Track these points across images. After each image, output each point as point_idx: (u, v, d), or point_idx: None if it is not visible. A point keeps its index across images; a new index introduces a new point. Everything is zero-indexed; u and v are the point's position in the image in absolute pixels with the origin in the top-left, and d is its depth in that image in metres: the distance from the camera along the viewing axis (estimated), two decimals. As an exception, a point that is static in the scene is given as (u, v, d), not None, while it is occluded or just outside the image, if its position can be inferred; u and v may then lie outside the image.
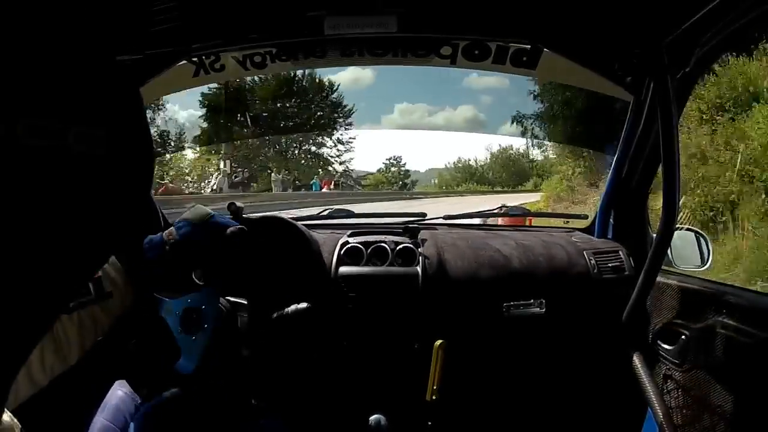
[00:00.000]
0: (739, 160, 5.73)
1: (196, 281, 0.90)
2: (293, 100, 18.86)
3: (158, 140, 14.63)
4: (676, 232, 1.17)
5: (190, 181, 16.62)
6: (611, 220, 1.43)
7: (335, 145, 21.10)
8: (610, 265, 1.32)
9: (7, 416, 0.58)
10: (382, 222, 1.64)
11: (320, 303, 1.05)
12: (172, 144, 16.53)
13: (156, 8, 0.99)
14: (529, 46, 1.26)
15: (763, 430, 0.92)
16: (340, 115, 20.46)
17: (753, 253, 4.87)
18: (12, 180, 0.31)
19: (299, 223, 1.31)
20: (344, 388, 1.28)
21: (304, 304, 1.01)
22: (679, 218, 1.11)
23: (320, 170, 20.77)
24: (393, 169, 25.73)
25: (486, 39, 1.27)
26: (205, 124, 17.16)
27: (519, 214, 1.91)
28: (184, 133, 17.09)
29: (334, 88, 19.83)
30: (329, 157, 21.44)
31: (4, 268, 0.32)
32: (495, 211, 1.92)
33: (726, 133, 6.27)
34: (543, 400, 1.35)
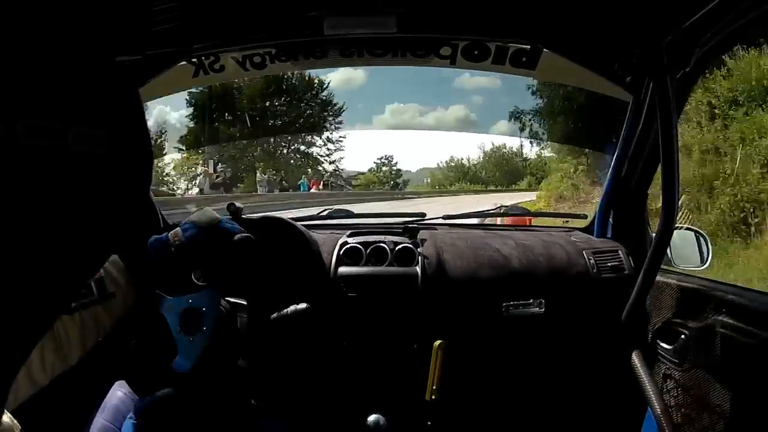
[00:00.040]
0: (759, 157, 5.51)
1: (196, 282, 0.91)
2: (282, 98, 18.38)
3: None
4: (675, 232, 1.17)
5: (170, 183, 16.43)
6: (611, 219, 1.43)
7: (325, 144, 20.64)
8: (609, 264, 1.32)
9: (6, 417, 0.58)
10: (382, 222, 1.64)
11: (319, 303, 1.05)
12: (155, 144, 16.26)
13: (156, 8, 0.99)
14: (528, 47, 1.26)
15: (763, 430, 0.92)
16: (330, 113, 19.99)
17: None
18: (12, 180, 0.31)
19: (298, 223, 1.31)
20: (343, 389, 1.28)
21: (303, 305, 1.01)
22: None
23: (310, 170, 20.34)
24: (384, 168, 25.32)
25: (485, 39, 1.27)
26: (191, 124, 16.68)
27: (519, 213, 1.91)
28: (165, 131, 16.70)
29: (324, 86, 19.38)
30: (319, 157, 20.99)
31: (4, 268, 0.32)
32: (494, 211, 1.92)
33: (741, 128, 6.12)
34: (543, 400, 1.35)
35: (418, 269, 1.28)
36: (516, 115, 14.42)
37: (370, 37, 1.25)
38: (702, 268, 1.31)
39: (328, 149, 20.85)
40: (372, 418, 1.13)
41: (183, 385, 0.89)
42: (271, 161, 19.21)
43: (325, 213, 1.66)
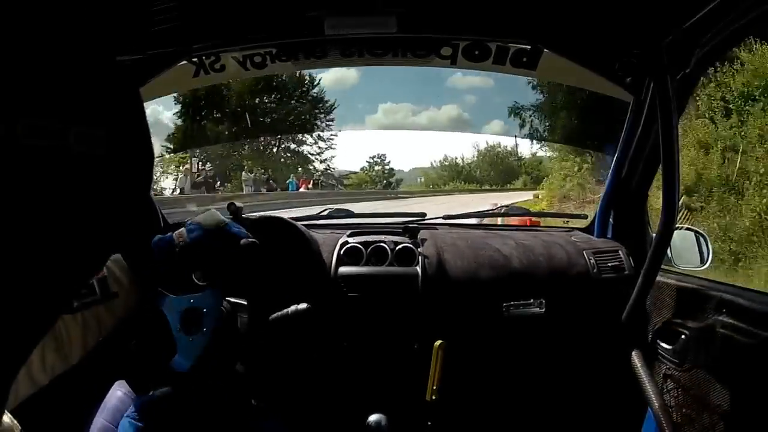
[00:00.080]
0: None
1: (197, 282, 0.90)
2: (272, 95, 17.80)
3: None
4: (675, 232, 1.17)
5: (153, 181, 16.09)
6: (611, 219, 1.43)
7: (316, 142, 20.08)
8: (609, 264, 1.32)
9: (6, 417, 0.58)
10: (382, 222, 1.64)
11: (320, 303, 1.05)
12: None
13: (156, 8, 0.99)
14: (529, 47, 1.26)
15: (763, 430, 0.92)
16: (321, 111, 19.39)
17: None
18: (12, 180, 0.31)
19: (299, 223, 1.31)
20: (344, 389, 1.28)
21: (303, 305, 1.00)
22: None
23: (300, 168, 19.77)
24: (377, 168, 24.93)
25: (486, 39, 1.27)
26: (178, 121, 16.21)
27: (519, 213, 1.91)
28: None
29: (315, 83, 18.82)
30: (309, 155, 20.42)
31: (4, 268, 0.32)
32: (495, 211, 1.92)
33: (757, 124, 5.96)
34: (543, 400, 1.35)
35: (419, 269, 1.28)
36: (516, 111, 13.92)
37: (371, 37, 1.25)
38: (702, 268, 1.31)
39: (319, 147, 20.35)
40: (374, 417, 1.13)
41: (182, 384, 0.89)
42: (259, 160, 18.64)
43: (325, 213, 1.66)
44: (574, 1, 1.07)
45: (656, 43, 1.05)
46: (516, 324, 1.28)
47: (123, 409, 0.95)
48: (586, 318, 1.30)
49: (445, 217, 1.59)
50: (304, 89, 18.76)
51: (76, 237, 0.35)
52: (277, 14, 1.15)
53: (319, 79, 18.92)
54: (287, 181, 17.67)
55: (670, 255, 1.26)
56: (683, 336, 1.10)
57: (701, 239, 1.34)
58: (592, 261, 1.32)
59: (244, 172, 16.48)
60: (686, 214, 6.15)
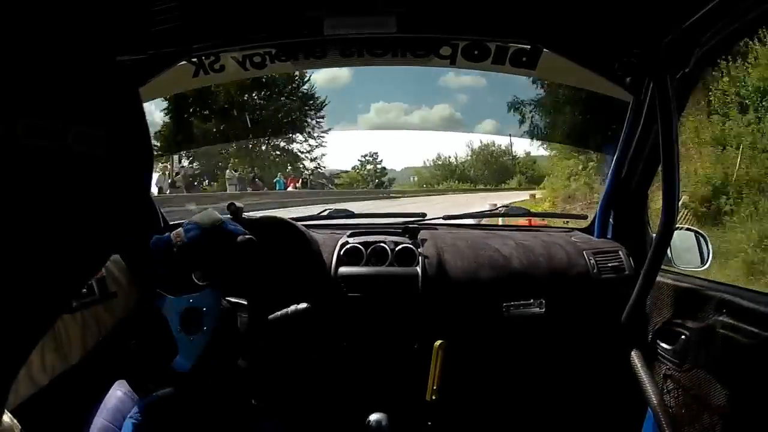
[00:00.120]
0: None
1: (197, 282, 0.90)
2: (261, 91, 17.11)
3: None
4: (675, 232, 1.17)
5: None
6: (611, 220, 1.43)
7: (306, 140, 19.40)
8: (609, 265, 1.32)
9: (6, 417, 0.58)
10: (382, 222, 1.64)
11: (320, 303, 1.05)
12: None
13: (156, 8, 0.99)
14: (528, 47, 1.26)
15: (763, 430, 0.92)
16: (312, 108, 18.78)
17: None
18: (12, 180, 0.31)
19: (299, 223, 1.31)
20: (344, 388, 1.28)
21: (303, 305, 1.01)
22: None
23: (289, 167, 19.11)
24: (369, 166, 24.57)
25: (485, 39, 1.27)
26: (165, 118, 15.41)
27: (520, 214, 1.91)
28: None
29: (305, 79, 18.22)
30: (299, 153, 19.76)
31: (4, 268, 0.32)
32: (495, 211, 1.92)
33: None
34: (543, 400, 1.35)
35: (419, 269, 1.28)
36: (515, 106, 13.22)
37: (370, 37, 1.25)
38: (702, 268, 1.31)
39: (309, 145, 19.67)
40: (374, 417, 1.13)
41: (183, 384, 0.89)
42: (247, 158, 17.98)
43: (325, 213, 1.66)
44: (573, 1, 1.07)
45: (656, 42, 1.05)
46: (516, 324, 1.28)
47: (123, 409, 0.95)
48: (586, 318, 1.30)
49: (445, 218, 1.59)
50: (294, 86, 18.18)
51: (76, 237, 0.35)
52: (277, 14, 1.15)
53: (309, 76, 18.38)
54: (274, 180, 17.08)
55: (670, 255, 1.26)
56: (683, 336, 1.10)
57: (701, 239, 1.35)
58: (592, 261, 1.32)
59: (228, 170, 15.93)
60: (716, 218, 5.92)
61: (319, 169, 20.58)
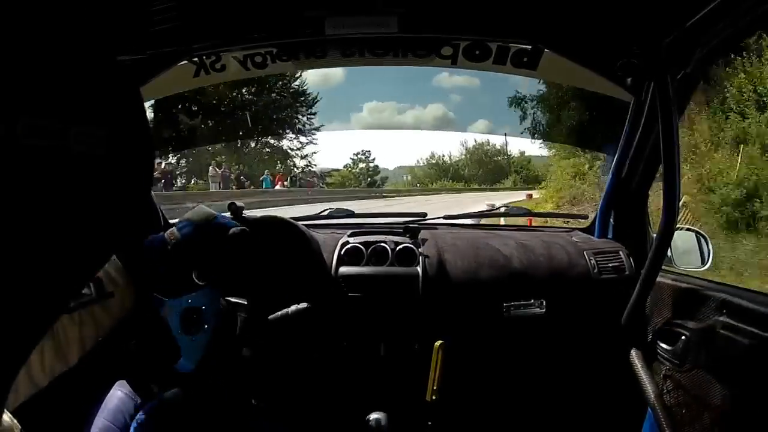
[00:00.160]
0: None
1: (196, 281, 0.90)
2: (251, 86, 16.54)
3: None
4: (676, 232, 1.17)
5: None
6: (611, 220, 1.43)
7: (296, 137, 18.87)
8: (610, 265, 1.32)
9: (6, 417, 0.58)
10: (382, 222, 1.64)
11: (320, 303, 1.05)
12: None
13: (156, 8, 0.99)
14: (529, 47, 1.26)
15: (763, 430, 0.92)
16: (303, 104, 18.20)
17: None
18: (12, 180, 0.31)
19: (299, 222, 1.31)
20: (344, 388, 1.28)
21: (304, 304, 1.01)
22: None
23: (279, 164, 18.49)
24: (361, 164, 24.19)
25: (487, 39, 1.27)
26: (150, 113, 14.90)
27: (520, 213, 1.91)
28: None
29: (297, 75, 17.66)
30: (289, 150, 19.18)
31: (4, 269, 0.32)
32: (496, 211, 1.92)
33: None
34: (543, 400, 1.35)
35: (419, 269, 1.28)
36: (517, 102, 12.66)
37: (371, 37, 1.25)
38: (703, 269, 1.31)
39: (300, 142, 19.07)
40: (373, 417, 1.13)
41: (188, 385, 0.89)
42: (234, 155, 17.37)
43: (325, 212, 1.66)
44: (574, 1, 1.07)
45: (657, 43, 1.05)
46: (516, 324, 1.28)
47: (123, 409, 0.95)
48: (587, 318, 1.30)
49: (445, 217, 1.59)
50: (285, 81, 17.63)
51: (77, 237, 0.35)
52: (278, 14, 1.15)
53: (301, 72, 17.56)
54: (261, 178, 16.46)
55: (670, 255, 1.26)
56: (683, 336, 1.10)
57: (702, 240, 1.35)
58: (593, 261, 1.32)
59: (211, 167, 15.35)
60: (749, 223, 5.71)
61: (310, 167, 20.12)
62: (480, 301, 1.30)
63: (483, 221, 2.18)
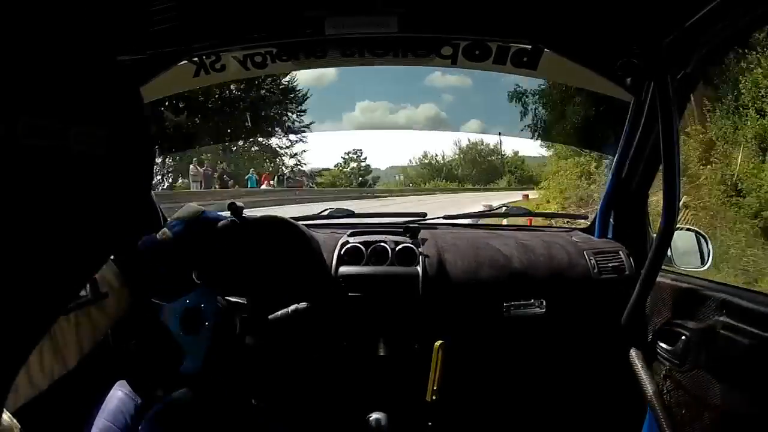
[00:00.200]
0: None
1: (195, 280, 0.91)
2: (240, 83, 15.53)
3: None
4: (676, 232, 1.17)
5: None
6: (611, 220, 1.43)
7: (285, 135, 18.05)
8: (610, 265, 1.32)
9: (6, 417, 0.58)
10: (382, 222, 1.64)
11: (320, 303, 1.05)
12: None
13: (156, 8, 0.99)
14: (529, 47, 1.26)
15: (763, 430, 0.92)
16: (293, 101, 17.43)
17: None
18: (12, 180, 0.31)
19: (299, 222, 1.30)
20: (344, 388, 1.28)
21: (304, 304, 1.01)
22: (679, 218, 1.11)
23: (269, 162, 17.94)
24: (352, 164, 23.70)
25: (487, 39, 1.27)
26: None
27: (521, 213, 1.91)
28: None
29: (286, 72, 16.44)
30: (278, 149, 18.41)
31: (4, 269, 0.32)
32: (496, 211, 1.92)
33: None
34: (543, 400, 1.35)
35: (419, 269, 1.28)
36: (518, 96, 12.13)
37: (371, 37, 1.25)
38: (703, 269, 1.31)
39: (289, 140, 18.24)
40: (373, 417, 1.13)
41: (194, 386, 0.89)
42: (218, 152, 16.65)
43: (325, 212, 1.66)
44: (574, 1, 1.07)
45: (657, 43, 1.05)
46: (516, 324, 1.28)
47: (124, 409, 0.95)
48: (587, 318, 1.30)
49: (445, 217, 1.59)
50: (275, 77, 16.67)
51: (77, 237, 0.35)
52: (278, 14, 1.15)
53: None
54: (246, 177, 15.76)
55: (670, 255, 1.26)
56: (684, 336, 1.10)
57: (702, 240, 1.35)
58: (593, 261, 1.32)
59: (192, 166, 14.59)
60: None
61: (299, 166, 19.46)
62: (480, 300, 1.30)
63: (482, 221, 2.18)
